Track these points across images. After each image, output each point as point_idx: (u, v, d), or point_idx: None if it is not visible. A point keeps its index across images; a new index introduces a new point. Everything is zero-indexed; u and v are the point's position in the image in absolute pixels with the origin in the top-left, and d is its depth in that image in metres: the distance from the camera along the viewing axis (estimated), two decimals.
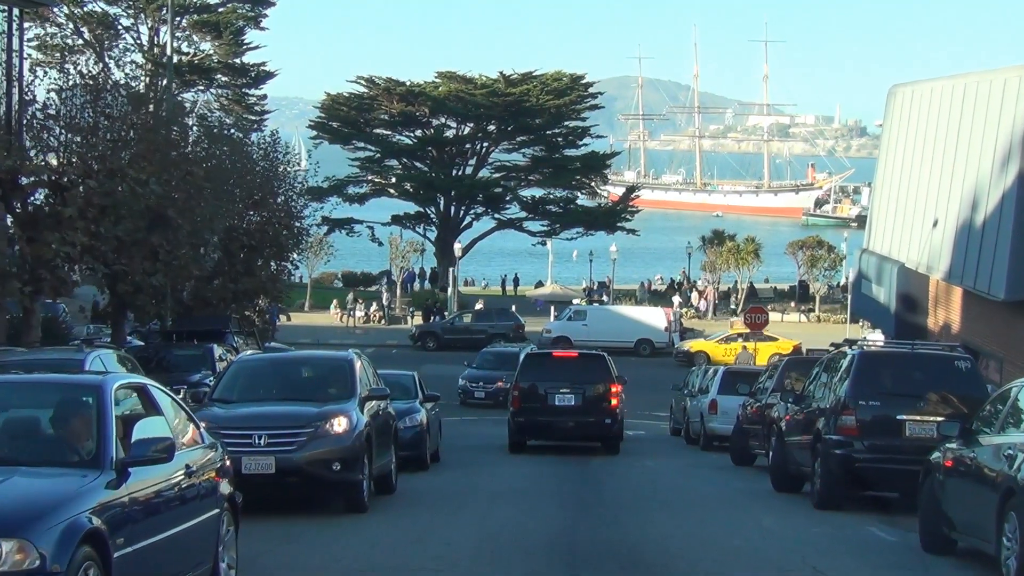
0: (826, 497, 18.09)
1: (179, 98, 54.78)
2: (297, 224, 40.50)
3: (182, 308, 34.28)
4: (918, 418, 17.49)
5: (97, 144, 27.59)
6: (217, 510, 10.10)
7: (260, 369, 17.94)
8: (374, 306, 76.31)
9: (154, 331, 32.62)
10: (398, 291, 79.81)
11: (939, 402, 17.62)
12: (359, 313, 74.40)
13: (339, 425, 15.70)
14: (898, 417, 17.54)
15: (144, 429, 8.94)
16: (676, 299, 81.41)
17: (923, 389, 17.76)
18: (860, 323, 65.51)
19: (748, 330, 62.89)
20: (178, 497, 9.29)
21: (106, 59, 39.80)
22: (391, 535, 14.89)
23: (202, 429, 10.43)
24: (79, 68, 29.91)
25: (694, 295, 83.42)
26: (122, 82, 31.09)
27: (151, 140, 28.60)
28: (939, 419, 17.34)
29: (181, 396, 23.26)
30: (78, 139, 27.35)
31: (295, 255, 42.61)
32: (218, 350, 27.28)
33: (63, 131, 27.13)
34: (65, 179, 26.31)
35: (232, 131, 42.00)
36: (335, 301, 76.29)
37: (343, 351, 18.30)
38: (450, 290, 76.06)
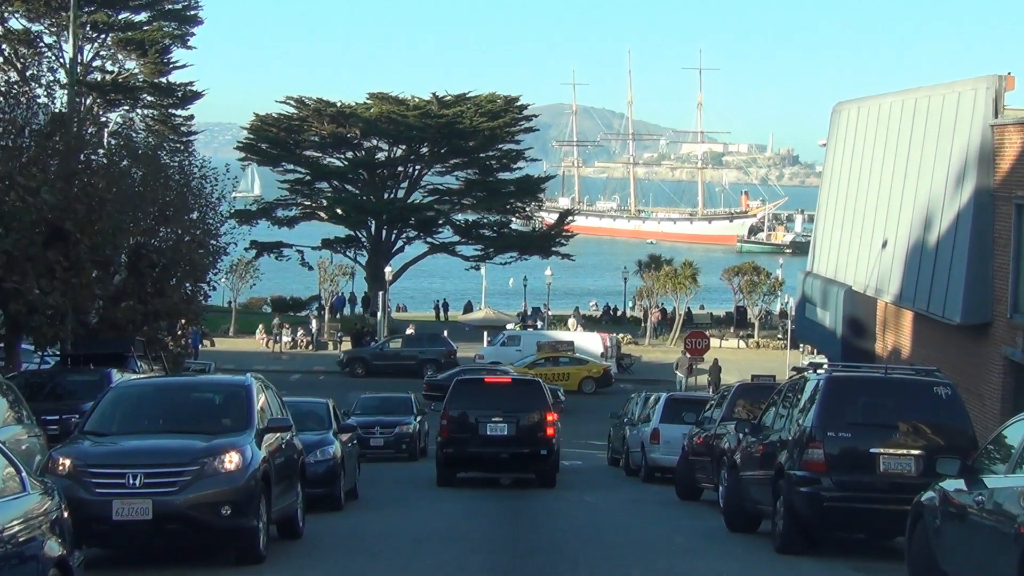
0: (790, 540, 16.05)
1: (103, 118, 52.45)
2: (214, 243, 38.06)
3: (86, 331, 31.75)
4: (894, 452, 15.50)
5: None
6: None
7: (142, 396, 15.37)
8: (300, 331, 74.21)
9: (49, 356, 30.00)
10: (326, 316, 77.69)
11: (917, 433, 15.67)
12: (285, 338, 72.37)
13: (230, 462, 13.38)
14: (871, 450, 15.53)
15: None
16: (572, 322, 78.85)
17: (898, 418, 15.78)
18: (801, 348, 64.25)
19: (553, 353, 60.84)
20: None
21: (27, 77, 37.42)
22: None
23: (25, 474, 8.12)
24: None
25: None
26: (38, 97, 28.81)
27: (44, 146, 26.18)
28: (916, 452, 15.48)
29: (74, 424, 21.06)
30: None
31: (213, 275, 40.09)
32: (118, 376, 24.73)
33: None
34: None
35: (147, 141, 39.53)
36: (260, 326, 74.10)
37: (239, 375, 15.95)
38: (380, 315, 74.03)
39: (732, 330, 79.38)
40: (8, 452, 8.20)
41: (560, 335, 69.02)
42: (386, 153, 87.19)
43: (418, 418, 38.75)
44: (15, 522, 7.63)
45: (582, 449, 42.83)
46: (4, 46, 66.77)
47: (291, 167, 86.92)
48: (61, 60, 68.73)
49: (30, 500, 8.04)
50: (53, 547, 8.09)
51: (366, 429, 35.53)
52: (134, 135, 38.44)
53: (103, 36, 73.05)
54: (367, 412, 37.75)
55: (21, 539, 7.62)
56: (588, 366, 60.14)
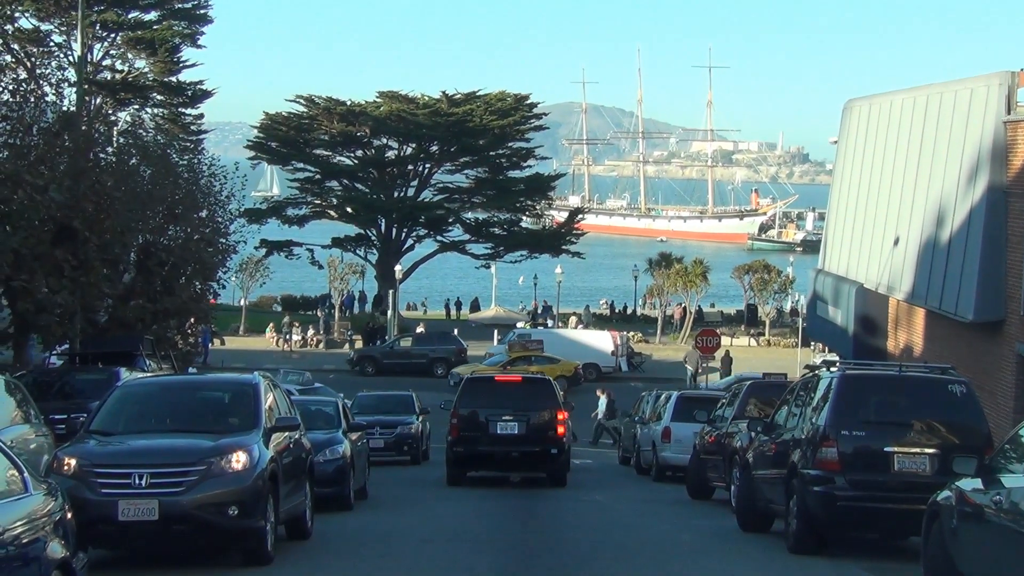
0: (803, 540, 15.86)
1: (112, 117, 52.40)
2: (223, 241, 37.97)
3: (95, 329, 31.66)
4: (908, 450, 15.31)
5: None
6: None
7: (149, 395, 15.21)
8: (311, 330, 74.15)
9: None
10: (336, 314, 77.65)
11: (932, 432, 15.47)
12: (296, 337, 72.28)
13: (237, 461, 13.21)
14: (885, 449, 15.33)
15: None
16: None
17: (913, 417, 15.58)
18: (812, 346, 63.95)
19: (524, 352, 60.14)
20: None
21: (36, 76, 37.37)
22: None
23: (27, 475, 7.98)
24: None
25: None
26: (47, 95, 28.72)
27: (52, 144, 26.07)
28: (931, 451, 15.29)
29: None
30: None
31: (222, 274, 40.00)
32: (126, 374, 24.57)
33: None
34: None
35: (156, 139, 39.39)
36: (271, 325, 74.09)
37: (247, 374, 15.79)
38: (390, 313, 73.97)
39: (743, 328, 79.16)
40: (11, 453, 8.08)
41: (567, 333, 68.88)
42: (396, 151, 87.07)
43: (420, 418, 36.44)
44: (17, 524, 7.49)
45: (593, 448, 42.73)
46: (14, 45, 66.79)
47: (301, 166, 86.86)
48: (71, 59, 68.74)
49: (33, 501, 7.91)
50: (56, 549, 7.95)
51: (367, 429, 31.71)
52: (144, 134, 38.36)
53: (113, 35, 73.00)
54: (365, 411, 34.62)
55: (24, 541, 7.48)
56: (560, 364, 59.53)
